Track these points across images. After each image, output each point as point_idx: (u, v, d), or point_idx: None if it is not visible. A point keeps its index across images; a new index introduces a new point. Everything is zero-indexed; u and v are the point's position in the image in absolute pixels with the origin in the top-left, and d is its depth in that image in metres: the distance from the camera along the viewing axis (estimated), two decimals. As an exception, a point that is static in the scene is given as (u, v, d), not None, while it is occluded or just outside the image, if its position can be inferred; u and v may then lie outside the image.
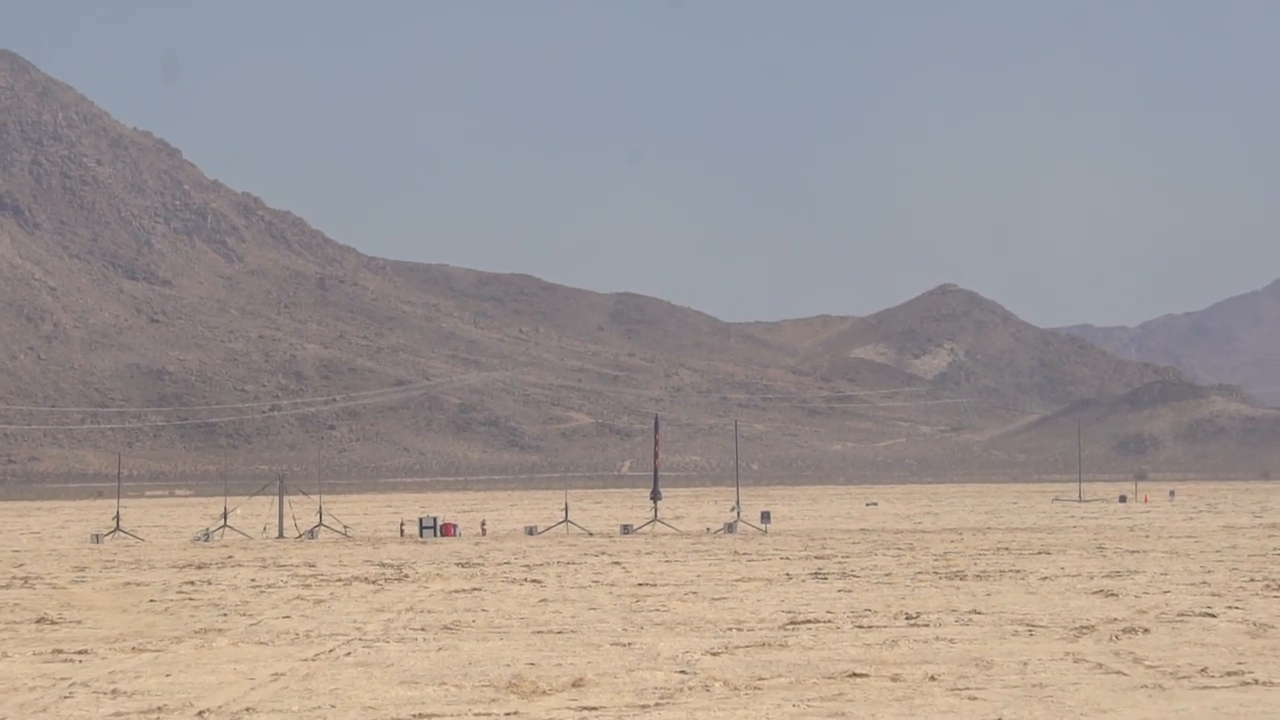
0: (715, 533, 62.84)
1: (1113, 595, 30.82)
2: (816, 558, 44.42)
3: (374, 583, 36.74)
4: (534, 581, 36.48)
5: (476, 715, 17.22)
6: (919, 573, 37.71)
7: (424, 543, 57.84)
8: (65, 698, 19.00)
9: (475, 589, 34.48)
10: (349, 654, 22.80)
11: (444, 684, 19.61)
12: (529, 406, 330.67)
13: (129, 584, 37.45)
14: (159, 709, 17.93)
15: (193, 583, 37.50)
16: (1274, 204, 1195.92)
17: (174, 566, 44.13)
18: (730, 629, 25.56)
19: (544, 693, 18.80)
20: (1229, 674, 19.74)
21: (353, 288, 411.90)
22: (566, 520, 67.27)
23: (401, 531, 66.15)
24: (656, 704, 17.83)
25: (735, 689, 18.92)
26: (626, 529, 64.79)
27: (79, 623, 28.27)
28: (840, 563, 41.96)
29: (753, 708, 17.50)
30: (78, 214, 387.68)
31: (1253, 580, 34.26)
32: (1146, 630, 24.54)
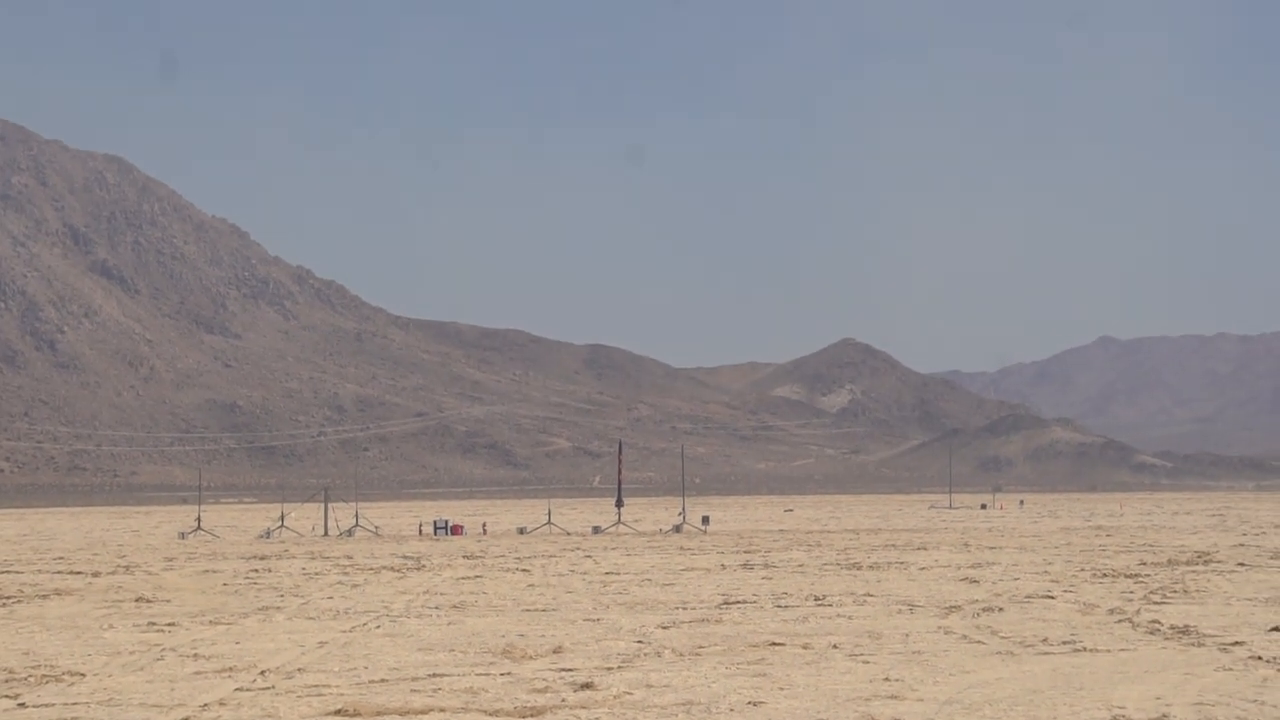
0: (665, 533, 62.78)
1: (975, 582, 30.90)
2: (745, 552, 44.41)
3: (398, 571, 36.63)
4: (524, 570, 36.41)
5: (478, 675, 17.20)
6: (825, 564, 37.73)
7: (438, 540, 57.67)
8: (158, 660, 18.94)
9: (478, 576, 34.40)
10: (379, 627, 22.74)
11: (453, 650, 19.59)
12: (520, 434, 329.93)
13: (207, 571, 37.27)
14: (230, 669, 17.89)
15: (257, 570, 37.33)
16: (1098, 275, 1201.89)
17: (242, 558, 43.93)
18: (677, 608, 25.55)
19: (531, 657, 18.79)
20: (1064, 643, 19.83)
21: (382, 340, 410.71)
22: (549, 523, 67.17)
23: (420, 531, 65.97)
24: (619, 666, 17.84)
25: (681, 655, 18.93)
26: (596, 529, 64.67)
27: (168, 601, 28.14)
28: (764, 556, 41.96)
29: (695, 669, 17.52)
30: (169, 282, 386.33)
31: (1083, 570, 34.40)
32: (1001, 609, 24.63)
